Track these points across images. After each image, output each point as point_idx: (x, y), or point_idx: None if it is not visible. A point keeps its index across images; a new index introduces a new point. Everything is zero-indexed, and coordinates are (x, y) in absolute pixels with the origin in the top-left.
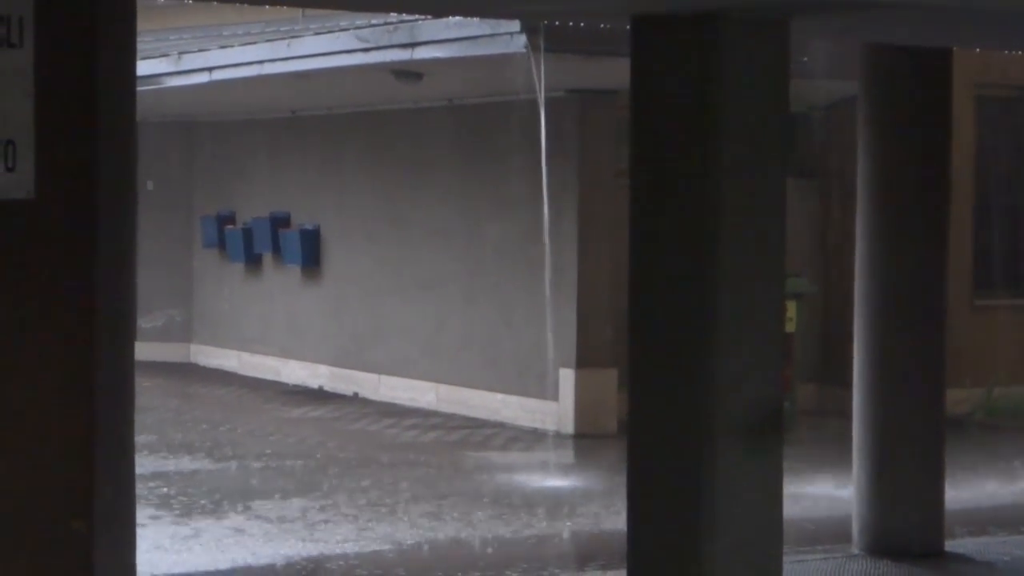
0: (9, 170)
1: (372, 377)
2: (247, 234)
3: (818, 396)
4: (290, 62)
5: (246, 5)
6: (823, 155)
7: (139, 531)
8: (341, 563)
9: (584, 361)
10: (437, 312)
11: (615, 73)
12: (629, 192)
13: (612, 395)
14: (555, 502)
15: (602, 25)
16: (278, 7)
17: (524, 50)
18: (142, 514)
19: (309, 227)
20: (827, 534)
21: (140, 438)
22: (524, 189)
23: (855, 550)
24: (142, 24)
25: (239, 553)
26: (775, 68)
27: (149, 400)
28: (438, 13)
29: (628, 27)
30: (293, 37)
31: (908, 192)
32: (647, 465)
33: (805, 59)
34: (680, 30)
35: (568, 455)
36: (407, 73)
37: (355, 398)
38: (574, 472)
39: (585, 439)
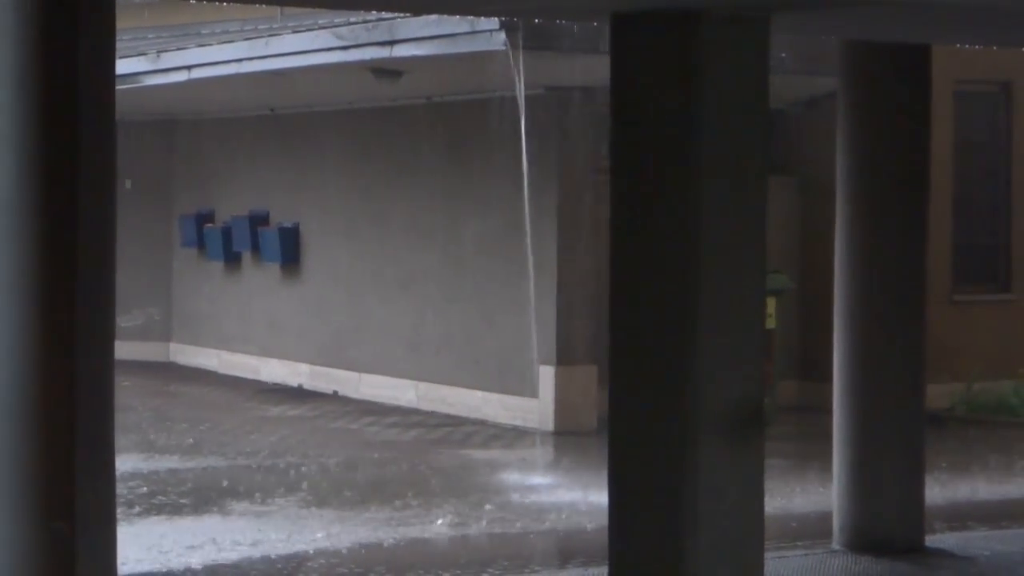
0: None
1: (352, 375)
2: (226, 232)
3: (798, 392)
4: (269, 60)
5: (224, 3)
6: (802, 152)
7: (119, 530)
8: (322, 560)
9: (564, 358)
10: (417, 310)
11: (595, 70)
12: (610, 189)
13: (592, 392)
14: (536, 499)
15: (577, 23)
16: (256, 5)
17: (503, 48)
18: (122, 513)
19: (288, 225)
20: (808, 530)
21: (120, 438)
22: (504, 186)
23: (836, 546)
24: (120, 23)
25: (220, 551)
26: (755, 65)
27: (129, 399)
28: (417, 11)
29: (608, 25)
30: (271, 35)
31: (887, 188)
32: (628, 462)
33: (784, 55)
34: (660, 27)
35: (549, 452)
36: (386, 71)
37: (335, 396)
38: (554, 469)
39: (565, 436)
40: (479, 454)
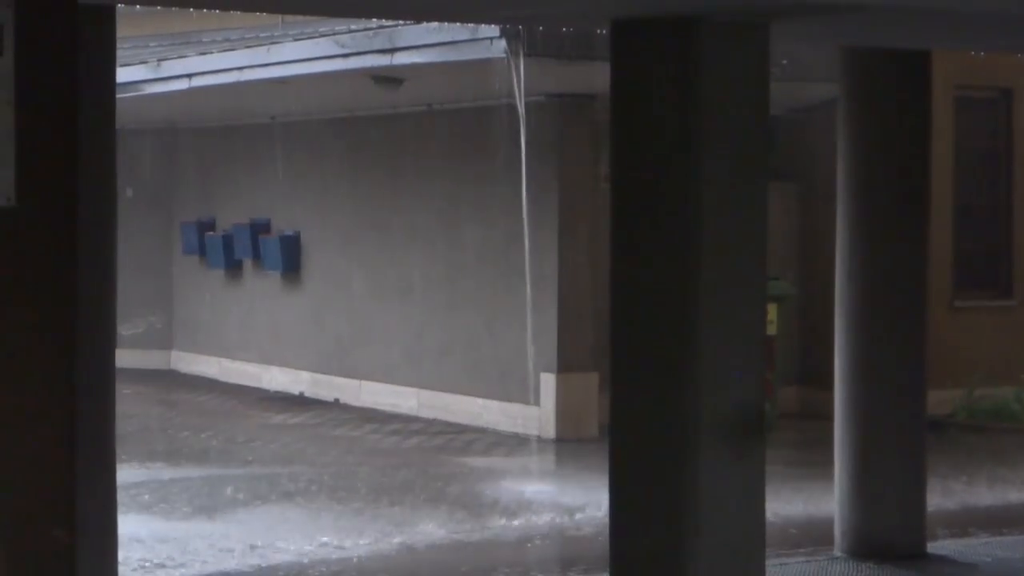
0: None
1: (353, 383)
2: (227, 240)
3: (799, 399)
4: (269, 68)
5: (225, 12)
6: (802, 158)
7: (120, 539)
8: (323, 569)
9: (565, 365)
10: (418, 317)
11: (595, 77)
12: (611, 196)
13: (594, 399)
14: (537, 506)
15: (578, 30)
16: (257, 13)
17: (504, 55)
18: (124, 521)
19: (289, 233)
20: (810, 537)
21: (121, 446)
22: (505, 194)
23: (837, 552)
24: (121, 31)
25: (220, 560)
26: (755, 72)
27: (130, 407)
28: (418, 18)
29: (608, 31)
30: (272, 43)
31: (888, 193)
32: (629, 469)
33: (785, 62)
34: (660, 34)
35: (550, 459)
36: (387, 78)
37: (336, 404)
38: (556, 476)
39: (567, 443)
40: (480, 461)
